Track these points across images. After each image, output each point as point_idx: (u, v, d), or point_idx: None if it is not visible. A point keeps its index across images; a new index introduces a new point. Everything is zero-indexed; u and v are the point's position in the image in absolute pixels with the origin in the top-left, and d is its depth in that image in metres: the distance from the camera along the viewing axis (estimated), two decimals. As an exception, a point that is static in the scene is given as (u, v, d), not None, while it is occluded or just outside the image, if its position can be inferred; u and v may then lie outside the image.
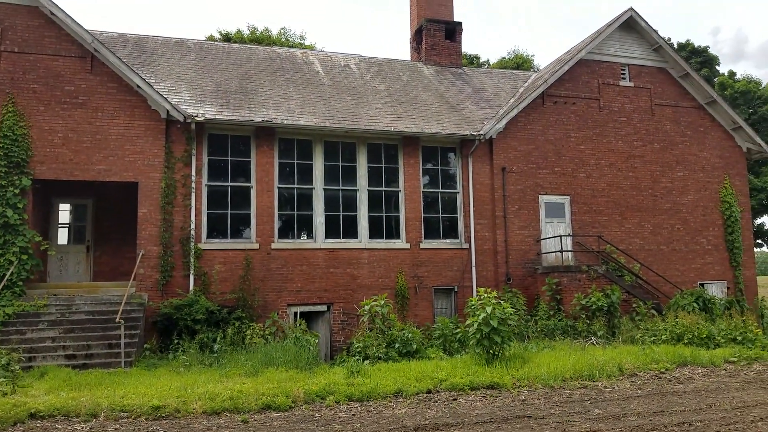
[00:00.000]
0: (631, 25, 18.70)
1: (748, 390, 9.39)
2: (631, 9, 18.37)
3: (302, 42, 31.44)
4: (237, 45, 20.16)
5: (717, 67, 35.67)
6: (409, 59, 23.06)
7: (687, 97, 19.41)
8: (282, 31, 31.53)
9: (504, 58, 36.97)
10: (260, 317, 13.91)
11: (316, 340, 12.49)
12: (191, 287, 13.65)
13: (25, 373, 9.87)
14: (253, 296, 14.07)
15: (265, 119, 14.83)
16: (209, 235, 14.46)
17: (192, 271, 13.77)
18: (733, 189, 19.43)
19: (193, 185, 14.19)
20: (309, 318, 14.87)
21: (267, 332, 12.74)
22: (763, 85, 33.88)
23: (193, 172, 14.25)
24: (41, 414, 7.93)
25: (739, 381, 10.25)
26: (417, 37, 22.82)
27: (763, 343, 13.61)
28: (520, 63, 35.21)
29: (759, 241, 34.69)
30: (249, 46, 20.30)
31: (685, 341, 13.45)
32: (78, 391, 8.89)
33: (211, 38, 30.43)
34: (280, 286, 14.60)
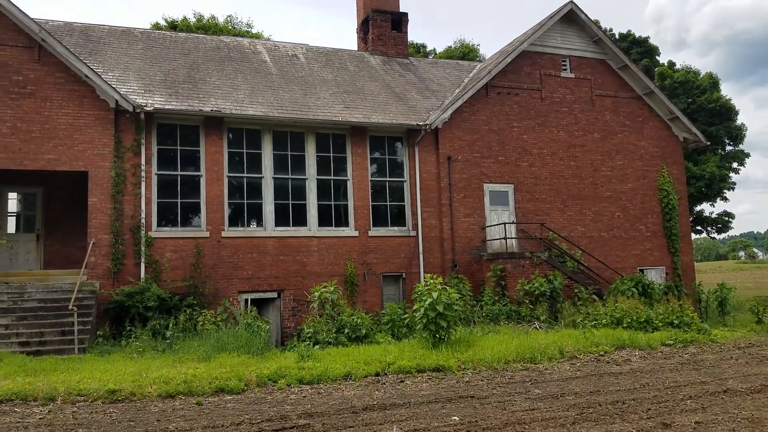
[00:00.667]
0: (571, 17, 20.04)
1: (681, 371, 10.29)
2: (572, 2, 19.70)
3: (249, 30, 31.71)
4: (184, 34, 20.49)
5: (657, 57, 37.80)
6: (356, 49, 23.83)
7: (626, 87, 20.93)
8: (228, 18, 31.76)
9: (450, 47, 38.14)
10: (212, 304, 14.54)
11: (267, 326, 13.21)
12: (142, 275, 14.17)
13: (-23, 361, 10.22)
14: (204, 284, 14.70)
15: (214, 109, 15.37)
16: (160, 224, 14.98)
17: (143, 259, 14.30)
18: (671, 177, 21.09)
19: (143, 174, 14.68)
20: (260, 305, 15.57)
21: (219, 319, 13.39)
22: (701, 75, 36.17)
23: (143, 162, 14.73)
24: (-1, 398, 8.39)
25: (674, 363, 11.19)
26: (364, 27, 23.60)
27: (699, 327, 14.86)
28: (466, 52, 36.44)
29: (698, 227, 37.18)
30: (196, 35, 20.66)
31: (625, 325, 14.44)
32: (34, 377, 9.35)
33: (156, 26, 30.38)
34: (231, 274, 15.26)
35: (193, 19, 31.17)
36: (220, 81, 17.26)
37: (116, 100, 14.31)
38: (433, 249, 17.71)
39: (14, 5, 13.60)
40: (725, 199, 34.36)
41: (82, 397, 8.61)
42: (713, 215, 35.23)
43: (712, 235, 37.10)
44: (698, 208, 35.34)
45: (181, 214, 15.35)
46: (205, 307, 14.13)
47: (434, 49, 39.63)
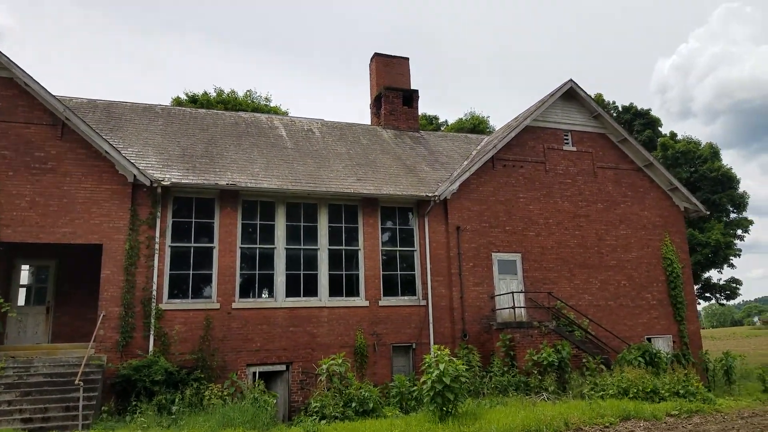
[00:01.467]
0: (571, 95, 20.19)
1: None
2: (571, 80, 19.90)
3: (267, 104, 32.44)
4: (203, 110, 20.90)
5: (660, 128, 37.96)
6: (369, 123, 24.16)
7: (626, 159, 20.81)
8: (248, 93, 32.52)
9: (461, 119, 38.68)
10: (219, 378, 14.04)
11: (275, 401, 12.68)
12: (151, 348, 13.76)
13: (-22, 440, 9.81)
14: (213, 356, 14.23)
15: (230, 183, 15.40)
16: (171, 296, 14.69)
17: (152, 332, 13.90)
18: (674, 246, 20.61)
19: (157, 246, 14.53)
20: (268, 378, 15.02)
21: (225, 393, 12.86)
22: (702, 145, 36.11)
23: (157, 234, 14.61)
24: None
25: None
26: (377, 103, 24.01)
27: (704, 396, 14.20)
28: (476, 124, 36.88)
29: (707, 294, 36.12)
30: (215, 111, 21.07)
31: (631, 395, 13.83)
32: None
33: (177, 100, 31.14)
34: (240, 346, 14.80)
35: (213, 94, 31.93)
36: (236, 155, 17.41)
37: (134, 175, 14.38)
38: (443, 318, 17.20)
39: (42, 86, 13.92)
40: (732, 265, 33.51)
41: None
42: (721, 282, 34.30)
43: (721, 302, 35.96)
44: (706, 275, 34.46)
45: (193, 286, 15.08)
46: (213, 381, 13.63)
47: (446, 121, 40.23)
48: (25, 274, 15.52)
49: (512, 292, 17.39)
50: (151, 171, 14.97)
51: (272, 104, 32.82)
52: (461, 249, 17.76)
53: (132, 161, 14.63)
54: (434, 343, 16.29)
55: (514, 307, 17.15)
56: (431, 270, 17.37)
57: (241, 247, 15.65)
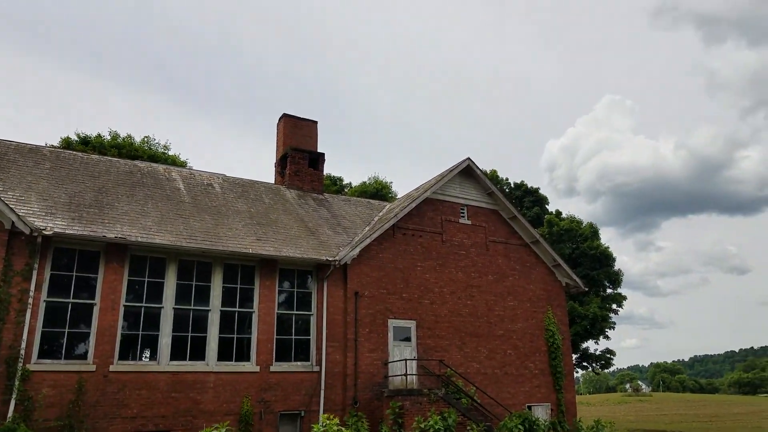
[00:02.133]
0: (468, 172, 21.60)
1: None
2: (468, 159, 21.35)
3: (166, 152, 31.41)
4: (96, 156, 19.97)
5: (547, 206, 41.20)
6: (273, 182, 24.22)
7: (516, 235, 22.34)
8: (145, 139, 31.34)
9: (365, 182, 39.77)
10: (88, 448, 12.91)
11: (149, 474, 11.84)
12: (10, 413, 12.42)
13: None
14: (82, 423, 13.11)
15: (119, 236, 14.70)
16: (41, 355, 13.50)
17: (14, 396, 12.59)
18: (555, 318, 22.10)
19: (31, 301, 13.41)
20: (144, 448, 14.03)
21: (94, 465, 11.87)
22: (584, 224, 39.51)
23: (32, 287, 13.51)
24: None
25: None
26: (282, 162, 24.22)
27: None
28: (379, 188, 38.06)
29: (584, 363, 38.68)
30: (109, 158, 20.18)
31: None
32: None
33: (67, 141, 29.31)
34: (114, 412, 13.76)
35: (108, 137, 30.35)
36: (128, 207, 16.72)
37: (12, 222, 13.38)
38: (336, 385, 17.08)
39: None
40: (607, 337, 36.26)
41: None
42: (597, 352, 36.88)
43: (597, 371, 38.55)
44: (584, 345, 36.95)
45: (67, 345, 13.96)
46: (80, 452, 12.52)
47: (350, 183, 41.10)
48: None
49: (405, 359, 17.71)
50: (32, 218, 13.97)
51: (171, 153, 31.87)
52: (359, 314, 17.96)
53: (11, 206, 13.63)
54: (324, 411, 16.10)
55: (406, 375, 17.44)
56: (327, 335, 17.34)
57: (125, 305, 14.80)
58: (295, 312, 17.37)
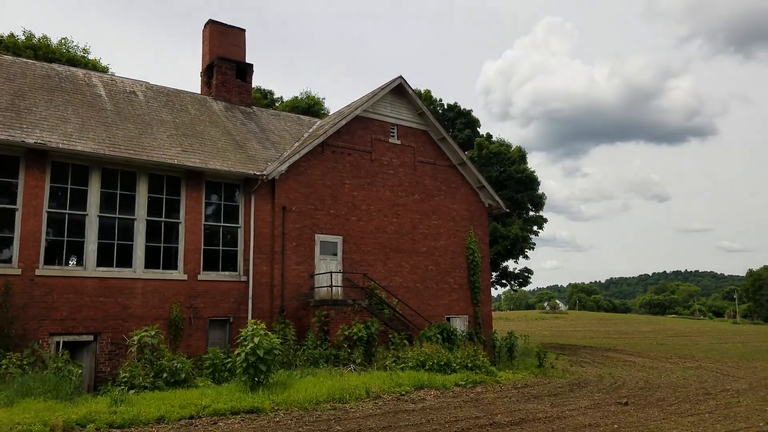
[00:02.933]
0: (401, 91, 22.39)
1: (463, 408, 11.93)
2: (401, 77, 22.08)
3: (85, 56, 30.09)
4: (10, 57, 19.26)
5: (479, 129, 42.69)
6: (199, 92, 24.10)
7: (444, 157, 23.65)
8: (63, 41, 29.81)
9: (297, 97, 39.64)
10: (18, 347, 13.65)
11: (80, 371, 12.82)
12: (-64, 314, 12.89)
13: None
14: (11, 324, 13.77)
15: (38, 141, 14.78)
16: (-38, 258, 13.82)
17: (-63, 297, 13.01)
18: (477, 238, 24.00)
19: (-54, 205, 13.54)
20: (74, 348, 14.89)
21: (25, 362, 12.69)
22: (512, 148, 41.43)
23: (-53, 191, 13.60)
24: None
25: (460, 401, 12.90)
26: (208, 72, 24.02)
27: (488, 369, 17.29)
28: (311, 104, 38.14)
29: (503, 281, 41.81)
30: (25, 60, 19.52)
31: (427, 367, 16.28)
32: None
33: (-25, 40, 27.62)
34: (43, 315, 14.48)
35: (22, 37, 28.77)
36: (47, 112, 16.59)
37: None
38: (263, 295, 18.29)
39: None
40: (526, 257, 39.18)
41: None
42: (516, 270, 39.91)
43: (515, 288, 41.85)
44: (504, 264, 39.82)
45: (-9, 249, 14.32)
46: (11, 350, 13.24)
47: (281, 97, 40.79)
48: None
49: (331, 272, 19.08)
50: (-59, 119, 13.80)
51: (90, 57, 30.55)
52: (286, 229, 18.97)
53: None
54: (252, 318, 17.35)
55: (331, 286, 18.87)
56: (254, 247, 18.33)
57: (48, 211, 15.14)
58: (222, 224, 18.17)
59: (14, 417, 9.49)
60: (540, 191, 39.97)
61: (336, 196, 20.40)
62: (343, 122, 20.65)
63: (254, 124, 22.46)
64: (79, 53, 29.86)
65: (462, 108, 41.27)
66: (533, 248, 39.04)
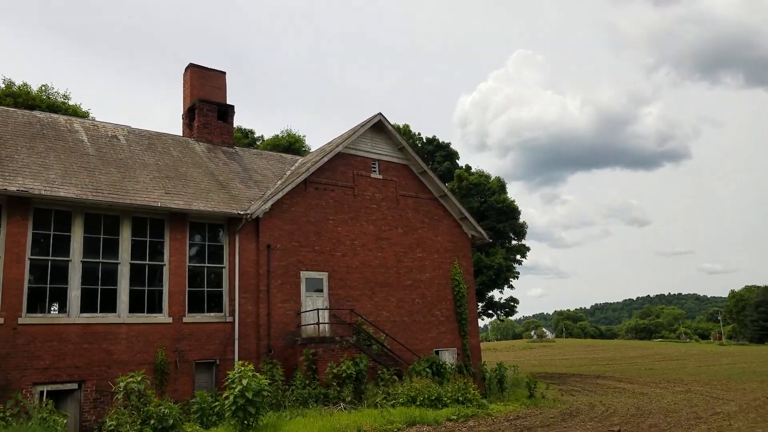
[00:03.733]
0: (380, 127, 22.81)
1: None
2: (380, 114, 22.53)
3: (66, 102, 30.24)
4: (-11, 105, 19.33)
5: (458, 161, 43.33)
6: (181, 135, 24.29)
7: (425, 190, 23.97)
8: (43, 88, 29.96)
9: (278, 135, 40.02)
10: (1, 398, 13.38)
11: (65, 420, 12.59)
12: None
13: None
14: (-7, 375, 13.50)
15: (20, 189, 14.77)
16: (-58, 311, 13.60)
17: None
18: (461, 269, 24.19)
19: (-74, 256, 13.39)
20: (58, 397, 14.60)
21: (8, 414, 12.43)
22: (492, 179, 42.05)
23: (-73, 242, 13.47)
24: None
25: None
26: (190, 114, 24.29)
27: (479, 402, 17.22)
28: (292, 142, 38.52)
29: (490, 311, 41.91)
30: (5, 108, 19.63)
31: (418, 403, 16.16)
32: None
33: (-47, 89, 27.67)
34: (26, 364, 14.23)
35: (1, 85, 28.92)
36: (29, 159, 16.61)
37: None
38: (250, 335, 18.18)
39: None
40: (511, 286, 39.41)
41: None
42: (502, 300, 40.07)
43: (501, 318, 41.94)
44: (489, 294, 39.98)
45: (-28, 299, 14.12)
46: (-7, 402, 12.98)
47: (262, 136, 41.14)
48: None
49: (317, 309, 19.07)
50: None
51: (72, 102, 30.69)
52: (271, 267, 18.99)
53: None
54: (239, 359, 17.21)
55: (318, 323, 18.82)
56: (240, 287, 18.29)
57: (30, 259, 15.04)
58: (207, 264, 18.14)
59: (-2, 472, 9.31)
60: (521, 220, 40.49)
61: (320, 232, 20.52)
62: (325, 159, 20.92)
63: (237, 164, 22.64)
64: (59, 99, 30.02)
65: (440, 141, 41.97)
66: (517, 277, 39.33)
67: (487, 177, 41.32)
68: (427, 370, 19.22)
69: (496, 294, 39.95)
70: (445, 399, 16.88)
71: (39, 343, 14.59)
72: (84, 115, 29.37)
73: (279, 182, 21.79)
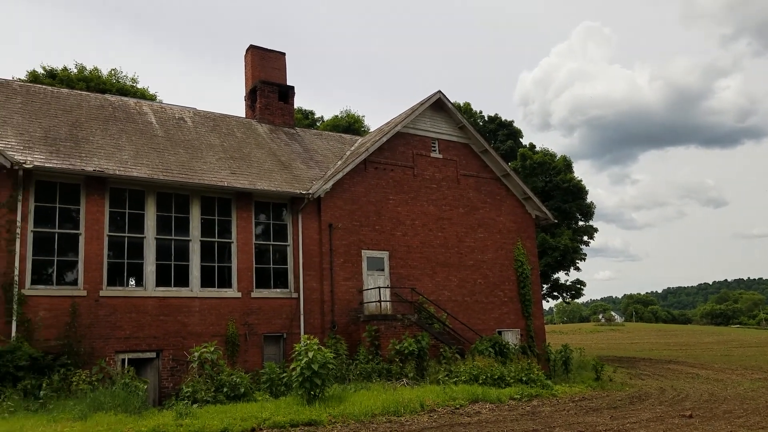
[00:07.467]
0: (440, 105, 22.97)
1: (519, 421, 12.16)
2: (440, 92, 22.68)
3: (134, 85, 32.02)
4: (66, 90, 20.77)
5: (521, 139, 42.89)
6: (244, 116, 25.26)
7: (487, 169, 24.03)
8: (113, 72, 31.85)
9: (337, 116, 40.76)
10: (87, 364, 14.65)
11: (145, 386, 13.68)
12: (14, 334, 14.08)
13: None
14: (80, 343, 14.84)
15: (97, 169, 15.91)
16: (34, 281, 15.03)
17: (15, 318, 14.23)
18: (525, 249, 24.16)
19: (18, 231, 14.79)
20: (138, 365, 15.84)
21: (95, 379, 13.62)
22: (557, 158, 41.42)
23: (19, 218, 14.85)
24: None
25: (516, 414, 13.13)
26: (251, 96, 25.20)
27: (544, 383, 17.36)
28: (351, 122, 39.17)
29: (555, 293, 41.52)
30: (79, 92, 21.01)
31: (481, 381, 16.52)
32: None
33: (34, 74, 29.71)
34: (109, 333, 15.50)
35: (74, 70, 30.92)
36: (103, 141, 17.81)
37: (-6, 156, 14.49)
38: (314, 310, 18.97)
39: None
40: (578, 268, 38.91)
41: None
42: (568, 282, 39.62)
43: (567, 300, 41.51)
44: (555, 276, 39.60)
45: (58, 272, 15.55)
46: (80, 367, 14.23)
47: (322, 117, 42.02)
48: None
49: (379, 287, 19.64)
50: (11, 152, 15.04)
51: (139, 86, 32.44)
52: (333, 245, 19.67)
53: (-9, 141, 14.70)
54: (304, 333, 18.01)
55: (380, 301, 19.43)
56: (303, 264, 19.08)
57: (108, 235, 16.24)
58: (272, 242, 19.00)
59: (89, 430, 10.26)
60: (588, 200, 39.78)
61: (380, 212, 21.02)
62: (384, 139, 21.32)
63: (298, 145, 23.39)
64: (128, 83, 31.78)
65: (503, 119, 41.63)
66: (584, 259, 38.79)
67: (552, 156, 40.72)
68: (490, 349, 19.49)
69: (561, 276, 39.56)
70: (508, 378, 17.12)
71: (120, 314, 15.83)
72: (151, 98, 31.00)
73: (339, 162, 22.39)
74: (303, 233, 19.28)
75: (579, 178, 39.58)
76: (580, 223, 40.06)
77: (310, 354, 13.18)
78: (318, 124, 40.77)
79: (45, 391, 12.70)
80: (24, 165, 14.76)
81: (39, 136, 16.66)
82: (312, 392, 13.02)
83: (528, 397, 15.75)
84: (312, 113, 41.04)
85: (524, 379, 17.41)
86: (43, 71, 30.19)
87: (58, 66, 30.85)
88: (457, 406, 13.87)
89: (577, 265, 38.59)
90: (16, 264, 14.57)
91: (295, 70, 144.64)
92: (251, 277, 18.17)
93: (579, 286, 39.54)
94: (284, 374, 15.05)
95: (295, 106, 28.89)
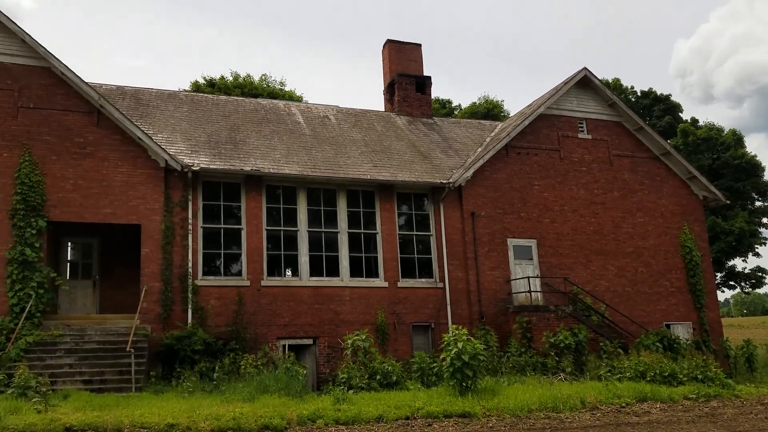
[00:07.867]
0: (586, 83, 21.84)
1: (697, 423, 11.11)
2: (585, 69, 21.55)
3: (282, 88, 34.55)
4: (224, 97, 22.83)
5: (681, 114, 39.58)
6: (383, 110, 25.95)
7: (643, 148, 22.45)
8: (263, 77, 34.76)
9: (475, 103, 40.39)
10: (252, 349, 15.99)
11: (304, 371, 14.59)
12: (189, 320, 15.83)
13: (50, 395, 11.74)
14: (246, 329, 16.26)
15: (254, 168, 17.32)
16: (204, 273, 16.79)
17: (190, 306, 16.02)
18: (692, 234, 22.17)
19: (190, 227, 16.59)
20: (297, 351, 16.95)
21: (259, 363, 14.81)
22: (725, 132, 37.67)
23: (190, 216, 16.65)
24: (75, 428, 9.69)
25: (692, 415, 11.98)
26: (390, 89, 25.81)
27: (723, 382, 15.48)
28: (490, 108, 38.61)
29: (731, 282, 37.79)
30: (236, 98, 23.00)
31: (648, 379, 15.21)
32: (100, 411, 10.75)
33: (196, 84, 33.45)
34: (270, 321, 16.83)
35: (230, 78, 34.28)
36: (258, 142, 19.29)
37: (166, 160, 16.32)
38: (460, 300, 19.00)
39: (77, 75, 15.91)
40: (757, 254, 35.18)
41: (146, 429, 9.89)
42: (746, 270, 35.98)
43: (746, 291, 37.69)
44: (730, 263, 36.11)
45: (224, 264, 17.25)
46: (247, 352, 15.55)
47: (459, 105, 41.94)
48: (70, 251, 17.83)
49: (528, 277, 19.16)
50: (181, 156, 16.88)
51: (287, 88, 34.93)
52: (476, 234, 19.52)
53: (163, 147, 16.52)
54: (452, 324, 18.08)
55: (530, 291, 18.93)
56: (447, 254, 19.18)
57: (266, 229, 17.63)
58: (415, 233, 19.36)
59: (257, 410, 11.08)
60: (766, 178, 35.82)
61: (525, 198, 20.47)
62: (526, 122, 20.71)
63: (436, 135, 23.53)
64: (277, 87, 34.41)
65: (658, 93, 38.69)
66: (765, 244, 35.00)
67: (719, 130, 37.18)
68: (657, 344, 18.14)
69: (738, 263, 36.02)
70: (680, 376, 15.59)
71: (279, 302, 17.11)
72: (298, 99, 33.14)
73: (479, 150, 22.14)
74: (445, 222, 19.38)
75: (753, 154, 35.81)
76: (757, 203, 36.18)
77: (459, 344, 13.08)
78: (456, 112, 40.70)
79: (218, 373, 14.05)
80: (192, 167, 16.46)
81: (203, 140, 18.45)
82: (464, 383, 12.94)
83: (705, 397, 14.19)
84: (449, 102, 41.08)
85: (699, 377, 15.77)
86: (204, 81, 33.62)
87: (216, 75, 34.24)
88: (623, 405, 12.89)
89: (757, 250, 34.88)
90: (189, 257, 16.35)
91: (431, 59, 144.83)
92: (397, 267, 18.64)
93: (760, 274, 35.74)
94: (434, 364, 15.15)
95: (432, 96, 29.10)
